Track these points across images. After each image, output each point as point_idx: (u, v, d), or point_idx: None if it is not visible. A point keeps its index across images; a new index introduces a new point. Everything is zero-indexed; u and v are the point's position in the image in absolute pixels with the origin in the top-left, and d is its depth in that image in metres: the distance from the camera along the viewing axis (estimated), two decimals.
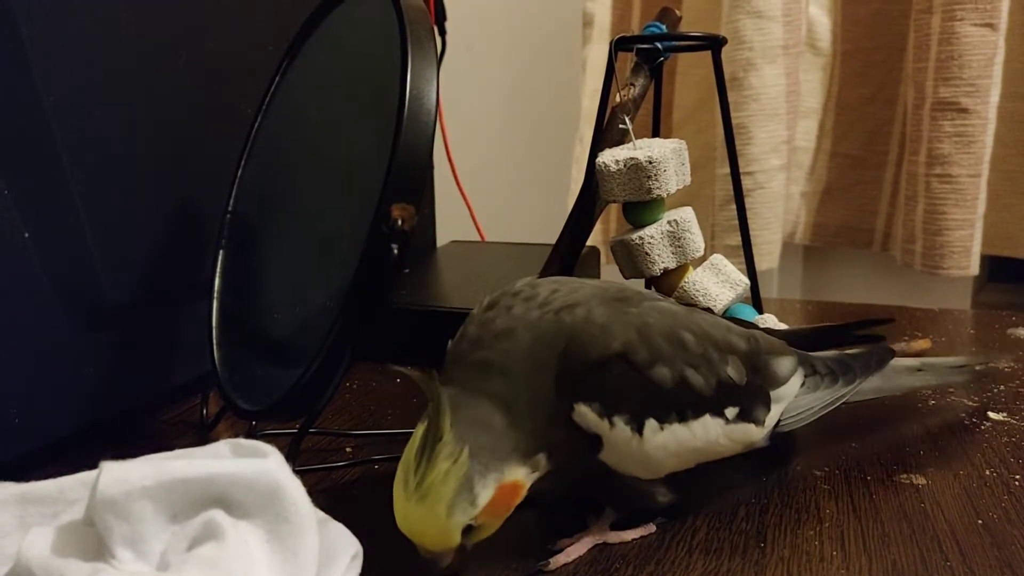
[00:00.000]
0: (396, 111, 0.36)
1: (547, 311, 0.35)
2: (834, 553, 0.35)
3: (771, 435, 0.39)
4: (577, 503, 0.38)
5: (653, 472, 0.36)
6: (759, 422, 0.38)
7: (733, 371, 0.37)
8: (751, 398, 0.37)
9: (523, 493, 0.33)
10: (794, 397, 0.40)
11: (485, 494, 0.31)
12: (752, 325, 0.42)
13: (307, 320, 0.42)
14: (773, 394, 0.38)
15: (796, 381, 0.40)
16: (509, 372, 0.34)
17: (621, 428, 0.34)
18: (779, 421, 0.39)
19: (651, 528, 0.37)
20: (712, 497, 0.40)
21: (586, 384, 0.34)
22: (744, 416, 0.37)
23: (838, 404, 0.42)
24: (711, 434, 0.36)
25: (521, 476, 0.33)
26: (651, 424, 0.34)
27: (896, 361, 0.45)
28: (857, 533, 0.37)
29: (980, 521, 0.37)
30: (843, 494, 0.40)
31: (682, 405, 0.35)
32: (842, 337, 0.45)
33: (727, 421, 0.36)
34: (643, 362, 0.34)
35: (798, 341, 0.42)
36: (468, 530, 0.32)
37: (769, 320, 0.47)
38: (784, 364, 0.40)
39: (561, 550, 0.35)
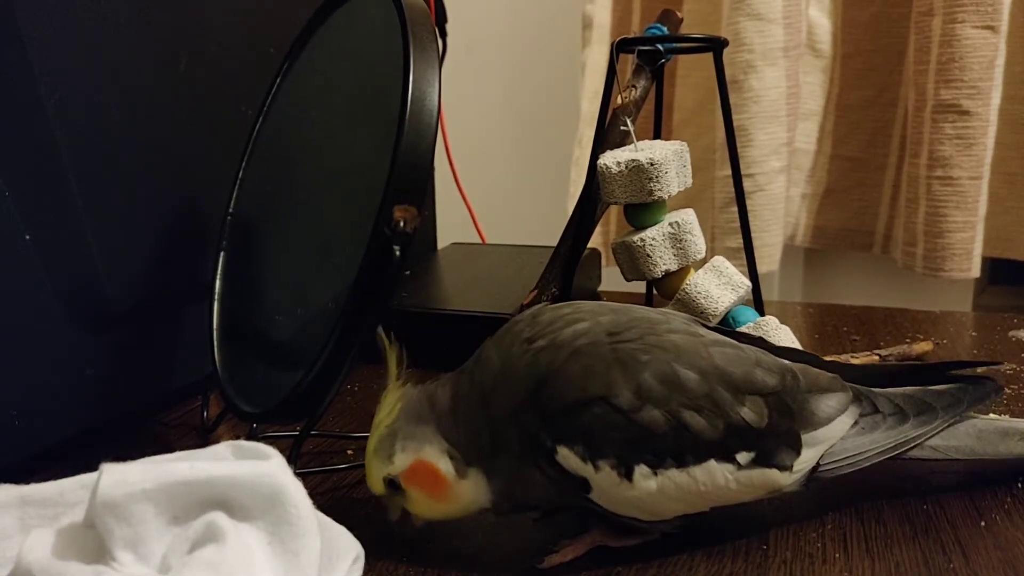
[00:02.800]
0: (398, 112, 0.36)
1: (530, 349, 0.34)
2: (837, 555, 0.35)
3: (807, 479, 0.36)
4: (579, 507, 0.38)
5: (655, 515, 0.35)
6: (784, 467, 0.35)
7: (750, 413, 0.34)
8: (773, 441, 0.34)
9: (446, 486, 0.34)
10: (840, 439, 0.36)
11: (402, 458, 0.34)
12: (811, 357, 0.39)
13: (308, 322, 0.42)
14: (808, 436, 0.35)
15: (844, 421, 0.36)
16: (484, 386, 0.35)
17: (607, 472, 0.33)
18: (818, 465, 0.36)
19: (654, 532, 0.37)
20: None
21: (565, 426, 0.33)
22: (762, 461, 0.34)
23: (910, 448, 0.38)
24: (718, 480, 0.34)
25: (441, 466, 0.34)
26: (641, 469, 0.33)
27: (1008, 423, 0.40)
28: (860, 535, 0.36)
29: (983, 523, 0.37)
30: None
31: (680, 449, 0.33)
32: (935, 377, 0.40)
33: (738, 467, 0.34)
34: (627, 405, 0.33)
35: (865, 377, 0.39)
36: (396, 488, 0.34)
37: (771, 322, 0.47)
38: (828, 403, 0.36)
39: (559, 551, 0.35)
